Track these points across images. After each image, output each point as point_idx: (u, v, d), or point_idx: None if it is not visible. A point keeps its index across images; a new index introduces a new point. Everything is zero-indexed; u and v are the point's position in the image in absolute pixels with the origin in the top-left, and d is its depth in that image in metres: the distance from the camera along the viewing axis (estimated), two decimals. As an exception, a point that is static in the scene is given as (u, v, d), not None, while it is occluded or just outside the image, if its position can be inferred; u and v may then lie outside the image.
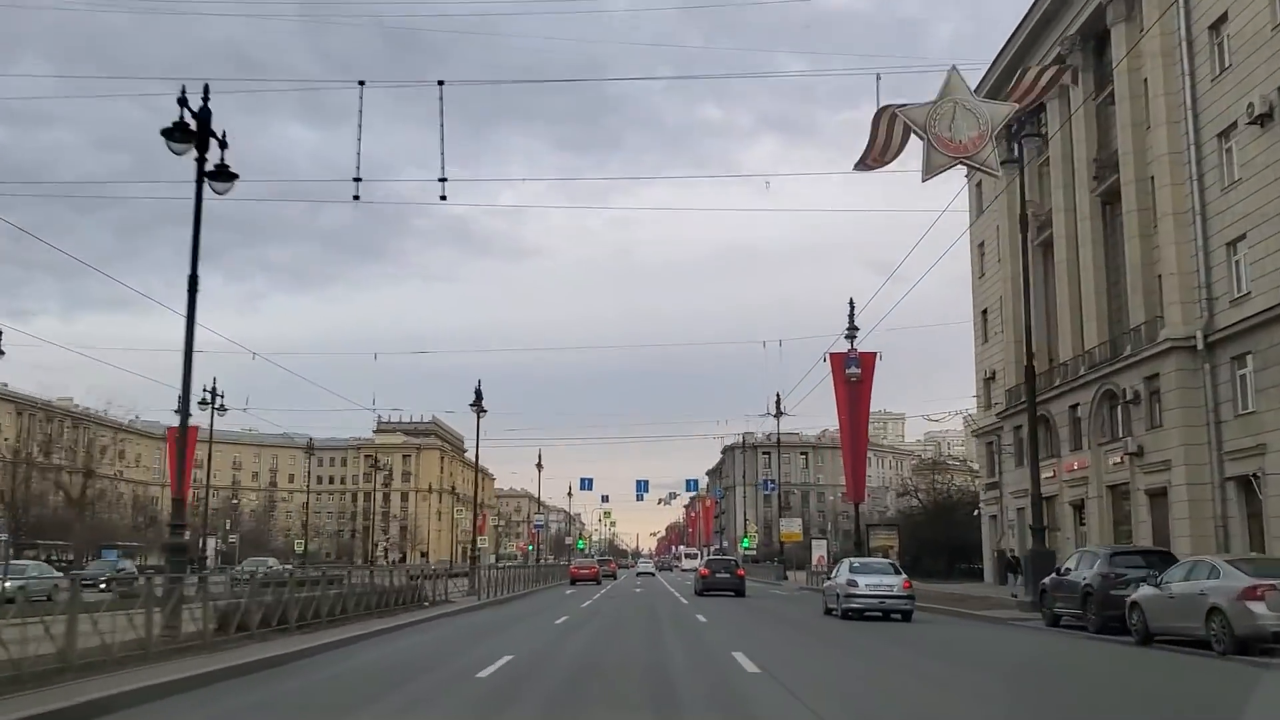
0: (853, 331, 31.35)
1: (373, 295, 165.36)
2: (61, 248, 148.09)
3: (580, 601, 31.01)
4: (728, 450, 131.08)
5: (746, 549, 67.75)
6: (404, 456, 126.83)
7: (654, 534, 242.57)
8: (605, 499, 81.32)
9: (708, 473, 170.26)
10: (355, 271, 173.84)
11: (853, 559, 22.46)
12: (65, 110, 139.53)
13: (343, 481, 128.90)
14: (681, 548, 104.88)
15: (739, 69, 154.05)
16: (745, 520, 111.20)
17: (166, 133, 13.25)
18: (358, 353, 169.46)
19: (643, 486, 64.89)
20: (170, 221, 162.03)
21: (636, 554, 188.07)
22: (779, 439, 61.94)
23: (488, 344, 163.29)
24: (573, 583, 50.03)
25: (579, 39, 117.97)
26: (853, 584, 20.71)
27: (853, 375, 32.10)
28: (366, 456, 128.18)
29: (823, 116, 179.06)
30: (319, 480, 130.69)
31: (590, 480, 76.94)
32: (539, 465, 64.61)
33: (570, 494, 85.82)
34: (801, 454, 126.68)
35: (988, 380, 41.48)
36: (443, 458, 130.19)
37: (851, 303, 31.17)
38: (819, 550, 54.46)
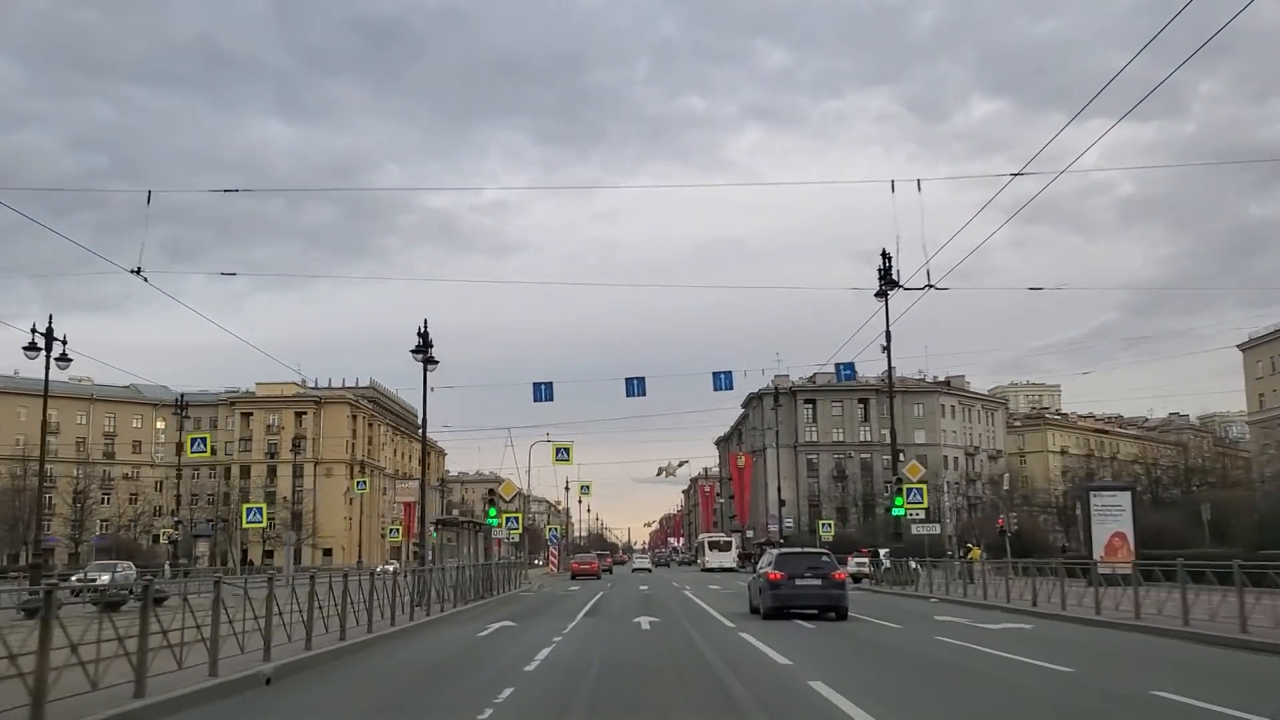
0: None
1: (357, 293, 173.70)
2: (42, 250, 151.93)
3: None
4: (753, 401, 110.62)
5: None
6: (297, 415, 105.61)
7: (647, 524, 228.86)
8: (567, 464, 62.51)
9: (717, 442, 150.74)
10: (339, 271, 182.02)
11: None
12: (38, 109, 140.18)
13: (213, 450, 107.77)
14: (704, 535, 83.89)
15: (718, 57, 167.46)
16: (780, 492, 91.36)
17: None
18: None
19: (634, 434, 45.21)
20: (152, 221, 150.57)
21: (628, 548, 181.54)
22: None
23: (474, 341, 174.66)
24: (574, 577, 52.30)
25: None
26: None
27: None
28: (244, 414, 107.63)
29: (805, 105, 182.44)
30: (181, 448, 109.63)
31: (566, 450, 55.80)
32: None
33: (567, 487, 68.27)
34: (860, 402, 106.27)
35: None
36: (355, 419, 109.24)
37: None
38: (1116, 527, 28.08)
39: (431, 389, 28.39)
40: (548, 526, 66.55)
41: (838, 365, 31.89)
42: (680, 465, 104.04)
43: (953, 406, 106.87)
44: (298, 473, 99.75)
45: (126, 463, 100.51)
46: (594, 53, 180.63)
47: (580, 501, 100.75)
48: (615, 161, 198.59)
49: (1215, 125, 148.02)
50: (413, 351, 26.69)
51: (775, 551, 24.47)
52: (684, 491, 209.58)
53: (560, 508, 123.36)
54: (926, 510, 37.32)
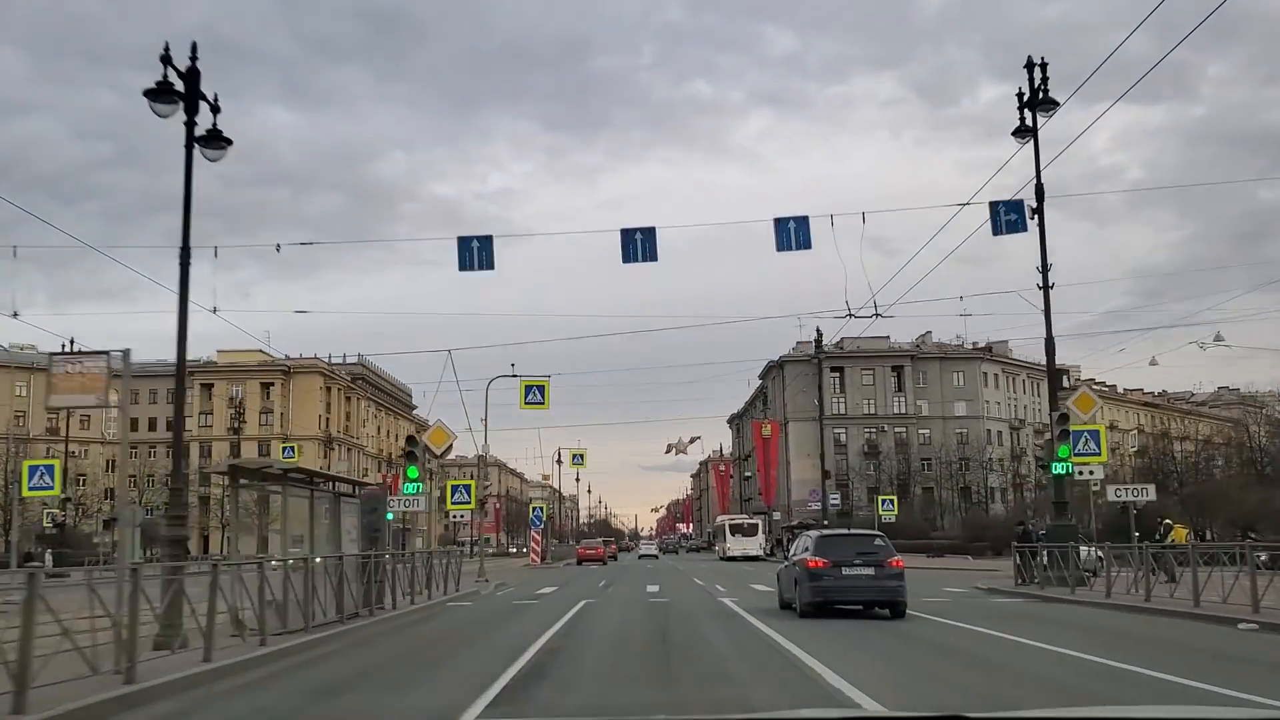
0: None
1: (363, 281, 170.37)
2: (48, 239, 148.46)
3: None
4: (771, 371, 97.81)
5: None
6: (263, 387, 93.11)
7: (654, 510, 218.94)
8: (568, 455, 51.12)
9: (731, 420, 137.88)
10: (345, 258, 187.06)
11: None
12: (42, 98, 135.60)
13: (167, 426, 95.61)
14: (724, 517, 70.27)
15: (724, 42, 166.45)
16: (823, 462, 79.27)
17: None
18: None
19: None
20: (156, 210, 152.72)
21: (635, 535, 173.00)
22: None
23: (480, 329, 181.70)
24: (579, 563, 52.05)
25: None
26: None
27: None
28: (203, 385, 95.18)
29: (812, 90, 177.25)
30: (130, 424, 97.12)
31: (540, 389, 42.60)
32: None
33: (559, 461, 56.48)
34: (894, 371, 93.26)
35: None
36: (330, 391, 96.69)
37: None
38: None
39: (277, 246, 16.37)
40: (530, 505, 53.15)
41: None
42: (692, 441, 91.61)
43: (995, 375, 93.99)
44: (263, 450, 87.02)
45: (71, 439, 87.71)
46: (599, 38, 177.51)
47: (578, 479, 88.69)
48: (621, 147, 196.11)
49: (1225, 109, 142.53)
50: (150, 94, 13.77)
51: (815, 534, 19.65)
52: (693, 476, 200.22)
53: (553, 487, 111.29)
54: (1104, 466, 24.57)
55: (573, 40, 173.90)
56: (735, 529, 59.43)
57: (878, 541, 17.96)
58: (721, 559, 59.48)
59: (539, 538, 51.01)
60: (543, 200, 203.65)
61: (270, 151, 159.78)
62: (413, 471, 24.64)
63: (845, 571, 16.86)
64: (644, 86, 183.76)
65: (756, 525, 60.21)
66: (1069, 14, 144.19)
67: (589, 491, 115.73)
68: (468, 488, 29.42)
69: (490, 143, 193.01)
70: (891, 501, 46.91)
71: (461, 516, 30.76)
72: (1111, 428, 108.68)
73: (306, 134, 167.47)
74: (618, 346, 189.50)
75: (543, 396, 30.43)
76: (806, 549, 17.71)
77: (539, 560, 50.84)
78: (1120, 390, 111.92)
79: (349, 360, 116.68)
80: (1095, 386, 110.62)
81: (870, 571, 16.91)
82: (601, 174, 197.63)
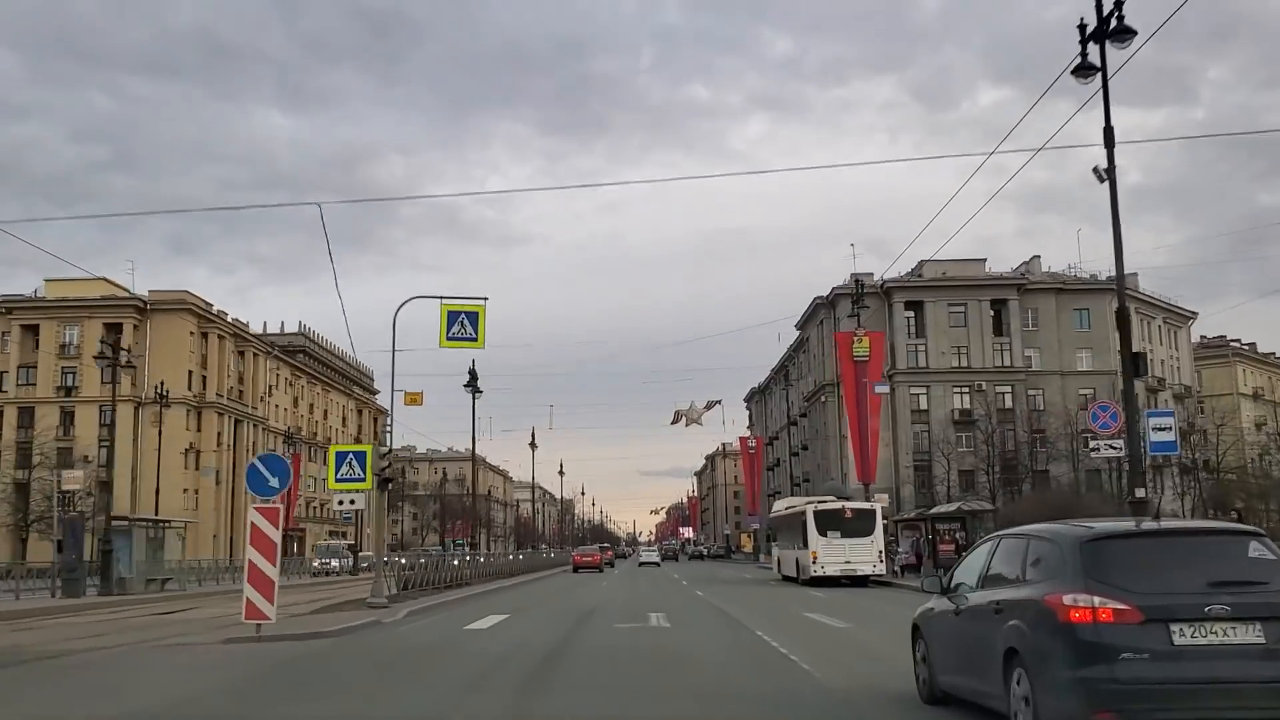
0: None
1: (363, 286, 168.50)
2: (40, 242, 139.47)
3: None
4: (819, 313, 70.94)
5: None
6: (109, 329, 65.76)
7: (654, 512, 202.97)
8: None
9: (749, 399, 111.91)
10: (344, 262, 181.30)
11: None
12: (37, 101, 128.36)
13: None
14: (800, 501, 38.55)
15: (722, 44, 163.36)
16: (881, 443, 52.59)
17: None
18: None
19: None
20: (153, 214, 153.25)
21: (634, 540, 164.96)
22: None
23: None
24: (575, 570, 49.75)
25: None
26: None
27: None
28: (25, 328, 68.21)
29: (811, 93, 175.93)
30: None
31: (472, 316, 18.73)
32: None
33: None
34: (992, 307, 65.45)
35: None
36: (206, 338, 69.22)
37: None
38: None
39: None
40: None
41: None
42: (708, 408, 65.04)
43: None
44: (104, 418, 60.01)
45: None
46: (597, 40, 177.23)
47: (533, 444, 62.55)
48: (619, 151, 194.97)
49: (1225, 111, 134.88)
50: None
51: (1072, 530, 6.37)
52: (697, 474, 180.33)
53: (533, 480, 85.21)
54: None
55: (570, 42, 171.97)
56: (828, 520, 29.55)
57: (1254, 550, 5.98)
58: (785, 578, 32.76)
59: (269, 528, 12.61)
60: (541, 204, 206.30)
61: (267, 154, 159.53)
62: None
63: (1182, 638, 5.57)
64: (642, 89, 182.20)
65: (873, 513, 31.01)
66: (1069, 16, 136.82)
67: (560, 472, 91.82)
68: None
69: (488, 146, 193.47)
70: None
71: None
72: (1255, 396, 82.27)
73: (304, 137, 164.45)
74: (615, 349, 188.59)
75: (474, 329, 19.89)
76: (1045, 567, 6.30)
77: (265, 614, 13.39)
78: (1260, 350, 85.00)
79: (288, 330, 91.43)
80: (1233, 344, 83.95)
81: (1257, 638, 5.58)
82: (600, 178, 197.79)
